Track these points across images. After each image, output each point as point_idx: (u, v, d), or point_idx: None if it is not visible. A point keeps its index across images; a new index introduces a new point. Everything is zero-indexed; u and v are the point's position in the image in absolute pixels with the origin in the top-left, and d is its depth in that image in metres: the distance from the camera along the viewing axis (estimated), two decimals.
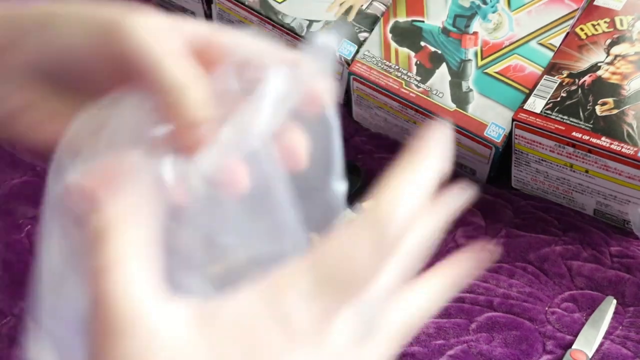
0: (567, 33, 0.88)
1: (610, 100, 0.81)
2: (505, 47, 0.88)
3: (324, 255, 0.42)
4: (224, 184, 0.46)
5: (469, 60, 0.88)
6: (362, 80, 0.89)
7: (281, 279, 0.42)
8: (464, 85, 0.87)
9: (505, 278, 0.81)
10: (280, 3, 0.93)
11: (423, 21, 0.90)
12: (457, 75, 0.87)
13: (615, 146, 0.79)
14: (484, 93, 0.86)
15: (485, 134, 0.85)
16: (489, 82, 0.87)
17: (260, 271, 0.42)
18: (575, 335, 0.77)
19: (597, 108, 0.81)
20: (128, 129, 0.46)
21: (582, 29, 0.86)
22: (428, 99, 0.87)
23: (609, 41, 0.85)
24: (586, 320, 0.78)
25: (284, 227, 0.48)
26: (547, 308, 0.79)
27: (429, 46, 0.89)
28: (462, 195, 0.46)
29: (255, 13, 0.93)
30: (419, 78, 0.88)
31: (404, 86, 0.87)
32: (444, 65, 0.88)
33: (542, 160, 0.84)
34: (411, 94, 0.87)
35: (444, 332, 0.77)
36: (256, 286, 0.41)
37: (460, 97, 0.86)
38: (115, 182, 0.43)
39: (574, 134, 0.80)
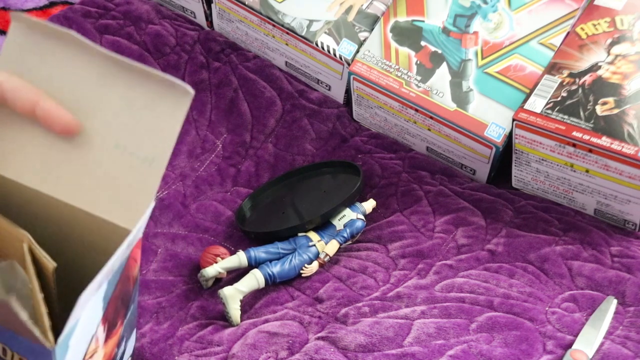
0: (568, 33, 0.87)
1: (610, 99, 0.81)
2: (506, 46, 0.88)
3: None
4: None
5: (470, 59, 0.88)
6: (362, 79, 0.89)
7: None
8: (465, 85, 0.87)
9: (505, 278, 0.81)
10: (280, 3, 0.92)
11: (423, 21, 0.90)
12: (458, 75, 0.87)
13: (616, 146, 0.79)
14: (484, 93, 0.86)
15: (485, 133, 0.85)
16: (490, 81, 0.87)
17: None
18: (576, 335, 0.77)
19: (598, 108, 0.81)
20: None
21: (582, 29, 0.86)
22: (428, 98, 0.87)
23: (609, 41, 0.85)
24: (586, 320, 0.78)
25: None
26: (547, 308, 0.79)
27: (429, 46, 0.89)
28: None
29: (255, 13, 0.93)
30: (419, 78, 0.87)
31: (404, 86, 0.87)
32: (444, 64, 0.88)
33: (542, 160, 0.84)
34: (411, 94, 0.87)
35: (444, 332, 0.77)
36: None
37: (461, 97, 0.86)
38: None
39: (574, 133, 0.80)
